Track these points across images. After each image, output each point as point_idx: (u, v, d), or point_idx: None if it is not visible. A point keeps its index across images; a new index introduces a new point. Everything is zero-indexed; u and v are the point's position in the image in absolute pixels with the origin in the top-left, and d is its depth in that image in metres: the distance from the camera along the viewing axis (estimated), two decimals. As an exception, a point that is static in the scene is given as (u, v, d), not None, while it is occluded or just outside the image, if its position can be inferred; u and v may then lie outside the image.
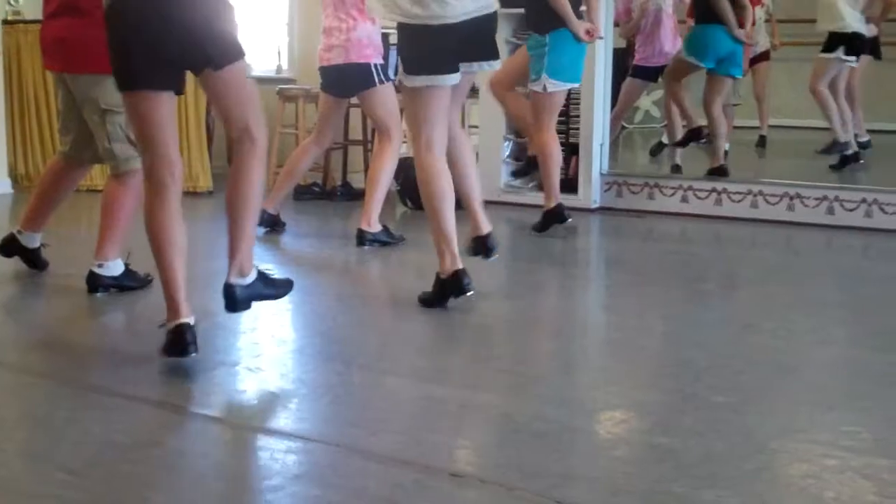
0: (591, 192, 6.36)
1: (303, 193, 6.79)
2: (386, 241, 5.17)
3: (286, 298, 4.21)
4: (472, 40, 3.84)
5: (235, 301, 3.29)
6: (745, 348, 3.58)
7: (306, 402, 2.98)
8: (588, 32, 5.22)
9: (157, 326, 3.21)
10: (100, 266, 4.12)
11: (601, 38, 5.42)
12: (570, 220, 5.48)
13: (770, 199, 6.01)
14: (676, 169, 7.01)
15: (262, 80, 6.94)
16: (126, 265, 4.20)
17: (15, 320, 4.05)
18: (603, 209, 6.38)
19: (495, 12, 3.89)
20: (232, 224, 3.26)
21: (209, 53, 3.09)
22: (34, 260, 4.50)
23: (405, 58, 3.85)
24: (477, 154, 7.03)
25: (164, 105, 3.15)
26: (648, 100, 8.84)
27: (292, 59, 8.36)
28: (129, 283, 4.19)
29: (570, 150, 6.47)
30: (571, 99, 6.38)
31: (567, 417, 2.82)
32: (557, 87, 5.33)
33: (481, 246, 4.11)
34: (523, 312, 4.04)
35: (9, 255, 4.49)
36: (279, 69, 8.39)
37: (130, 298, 4.13)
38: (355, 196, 7.03)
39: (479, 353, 3.57)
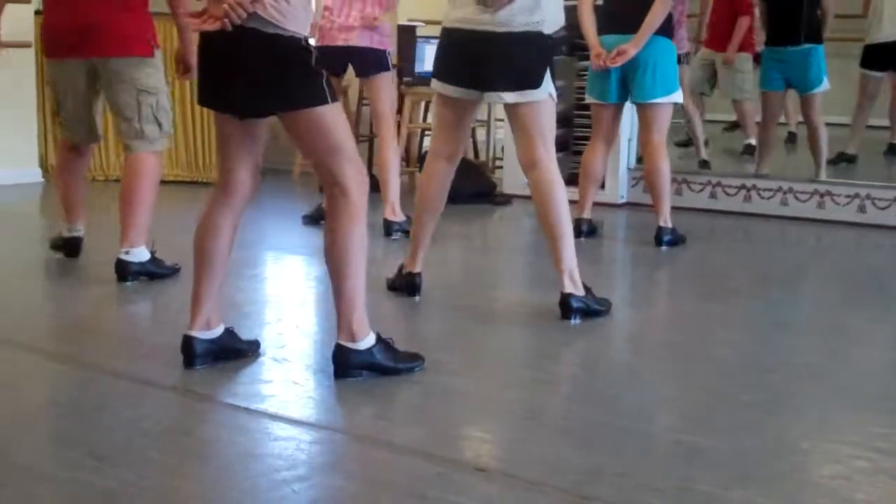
0: (618, 186, 6.33)
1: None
2: (409, 230, 5.17)
3: (310, 289, 4.23)
4: (476, 59, 3.65)
5: (342, 366, 2.97)
6: (775, 347, 3.55)
7: (331, 393, 2.97)
8: (597, 56, 4.99)
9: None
10: (126, 253, 4.15)
11: (613, 65, 4.95)
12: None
13: (800, 196, 5.96)
14: (704, 164, 6.96)
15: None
16: (152, 253, 4.23)
17: (45, 308, 4.07)
18: (629, 204, 6.34)
19: (509, 33, 3.60)
20: (333, 283, 2.97)
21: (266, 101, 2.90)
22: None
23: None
24: (503, 148, 7.05)
25: (229, 124, 2.99)
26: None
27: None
28: (156, 270, 4.21)
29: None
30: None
31: (593, 414, 2.80)
32: (587, 100, 5.35)
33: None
34: (549, 308, 4.02)
35: (73, 254, 4.57)
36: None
37: (162, 287, 4.15)
38: (380, 189, 7.04)
39: (503, 349, 3.56)
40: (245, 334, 3.37)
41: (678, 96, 5.13)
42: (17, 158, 6.93)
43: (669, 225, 5.17)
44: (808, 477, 2.47)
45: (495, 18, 3.58)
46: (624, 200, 6.37)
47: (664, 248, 5.10)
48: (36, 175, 7.16)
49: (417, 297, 3.97)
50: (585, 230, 5.25)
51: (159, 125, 4.17)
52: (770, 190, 6.05)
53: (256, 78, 2.85)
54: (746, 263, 5.12)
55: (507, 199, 6.50)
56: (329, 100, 2.87)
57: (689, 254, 5.22)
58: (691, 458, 2.48)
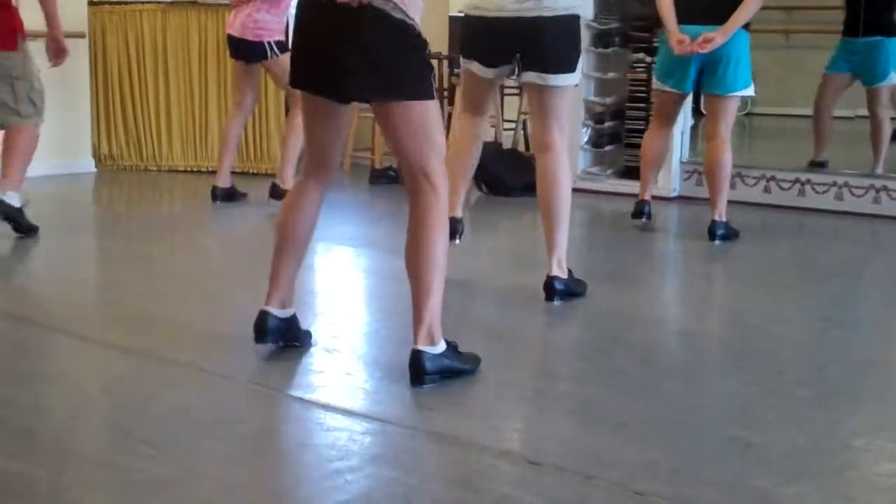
0: (671, 180, 6.28)
1: (378, 177, 6.82)
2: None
3: (361, 280, 4.25)
4: (520, 42, 3.72)
5: (421, 371, 2.88)
6: (828, 342, 3.51)
7: (383, 384, 2.99)
8: (680, 42, 4.87)
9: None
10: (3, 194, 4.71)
11: (699, 52, 4.85)
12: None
13: (856, 191, 5.87)
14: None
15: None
16: (23, 205, 4.77)
17: (99, 297, 4.13)
18: (682, 198, 6.29)
19: (555, 17, 3.66)
20: (413, 281, 2.95)
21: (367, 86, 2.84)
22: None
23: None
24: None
25: (325, 106, 2.94)
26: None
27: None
28: (18, 219, 4.75)
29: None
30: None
31: (647, 408, 2.79)
32: (656, 86, 5.29)
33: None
34: (600, 302, 4.00)
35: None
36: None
37: (216, 277, 4.19)
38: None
39: (555, 341, 3.56)
40: (307, 324, 3.40)
41: (752, 90, 5.08)
42: (71, 148, 7.02)
43: (724, 219, 5.11)
44: (863, 474, 2.44)
45: (541, 3, 3.64)
46: (676, 194, 6.32)
47: (717, 242, 5.05)
48: (89, 165, 7.26)
49: (458, 241, 4.08)
50: (647, 211, 5.32)
51: (34, 105, 4.83)
52: (825, 185, 5.96)
53: (378, 62, 2.78)
54: (800, 258, 5.07)
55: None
56: (434, 95, 2.89)
57: (742, 248, 5.17)
58: (745, 454, 2.46)
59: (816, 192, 5.97)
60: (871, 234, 5.57)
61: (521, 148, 7.65)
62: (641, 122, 6.42)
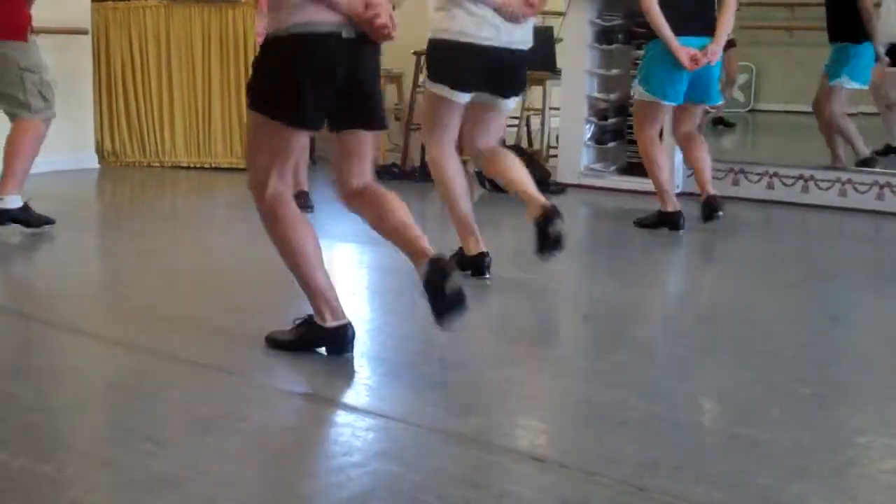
0: (674, 176, 6.26)
1: (382, 174, 6.80)
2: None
3: (362, 277, 4.25)
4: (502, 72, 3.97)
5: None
6: (832, 340, 3.51)
7: (387, 381, 2.99)
8: (693, 59, 4.89)
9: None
10: (0, 200, 4.65)
11: (710, 63, 4.96)
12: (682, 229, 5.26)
13: (860, 187, 5.86)
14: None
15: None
16: (25, 203, 4.71)
17: (103, 294, 4.13)
18: (685, 194, 6.26)
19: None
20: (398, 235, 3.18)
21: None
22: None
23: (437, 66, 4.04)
24: (557, 137, 7.02)
25: (304, 137, 3.19)
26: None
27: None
28: (27, 217, 4.71)
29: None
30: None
31: (649, 405, 2.78)
32: (644, 97, 5.20)
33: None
34: (603, 299, 4.01)
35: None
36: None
37: (220, 273, 4.18)
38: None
39: (558, 339, 3.55)
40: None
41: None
42: (75, 144, 7.02)
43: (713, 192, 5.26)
44: (866, 471, 2.43)
45: (524, 37, 3.96)
46: (679, 190, 6.30)
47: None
48: (92, 161, 7.26)
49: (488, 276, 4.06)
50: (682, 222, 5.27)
51: (45, 99, 4.74)
52: (828, 181, 5.95)
53: (372, 92, 3.04)
54: (803, 255, 5.06)
55: (561, 188, 6.47)
56: None
57: (745, 245, 5.17)
58: (748, 451, 2.45)
59: (820, 189, 5.96)
60: (875, 231, 5.56)
61: (525, 145, 7.64)
62: (643, 119, 6.40)
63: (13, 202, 4.68)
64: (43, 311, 3.65)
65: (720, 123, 8.34)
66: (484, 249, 4.08)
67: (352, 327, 3.07)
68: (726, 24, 4.94)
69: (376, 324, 3.65)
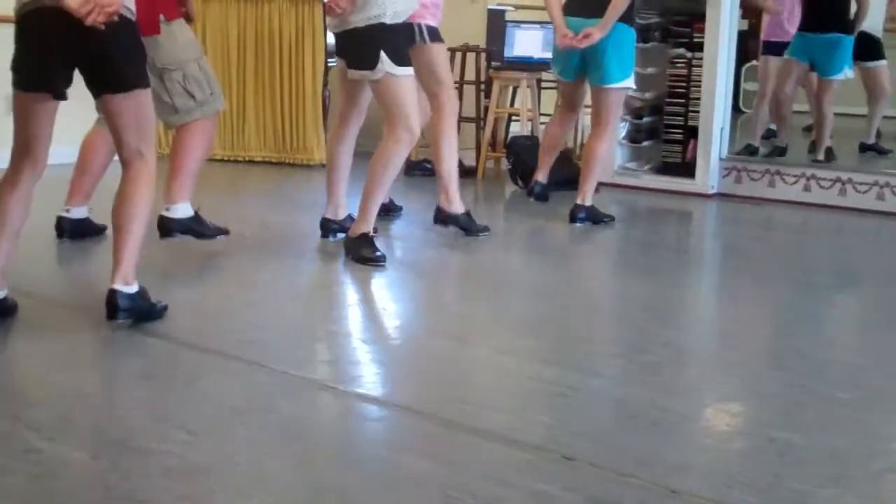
0: (709, 177, 6.22)
1: (413, 169, 6.81)
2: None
3: (398, 273, 4.25)
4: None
5: (115, 308, 3.25)
6: (868, 344, 3.47)
7: (416, 375, 2.99)
8: (563, 36, 5.06)
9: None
10: (167, 210, 4.21)
11: (577, 47, 5.01)
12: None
13: (859, 187, 5.81)
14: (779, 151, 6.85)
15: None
16: (195, 211, 4.30)
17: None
18: (720, 195, 6.24)
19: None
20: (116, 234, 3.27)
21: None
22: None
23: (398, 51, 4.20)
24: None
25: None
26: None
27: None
28: (198, 228, 4.29)
29: (689, 133, 6.35)
30: (692, 81, 6.28)
31: (682, 407, 2.77)
32: (554, 74, 5.57)
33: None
34: (636, 298, 3.98)
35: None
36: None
37: (252, 265, 4.20)
38: (466, 173, 7.03)
39: (590, 337, 3.53)
40: (331, 315, 3.40)
41: (631, 82, 5.19)
42: (74, 137, 6.99)
43: (588, 204, 5.29)
44: (904, 479, 2.41)
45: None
46: (715, 191, 6.26)
47: (578, 224, 5.22)
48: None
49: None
50: (539, 192, 5.59)
51: (192, 97, 4.16)
52: (866, 184, 5.88)
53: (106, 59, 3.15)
54: (838, 258, 5.01)
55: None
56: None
57: (779, 247, 5.13)
58: (783, 455, 2.43)
59: (858, 192, 5.89)
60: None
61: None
62: (680, 118, 6.37)
63: (181, 210, 4.22)
64: (79, 301, 3.68)
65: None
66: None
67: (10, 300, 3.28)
68: (612, 10, 4.92)
69: (408, 319, 3.65)
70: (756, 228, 5.61)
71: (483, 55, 7.13)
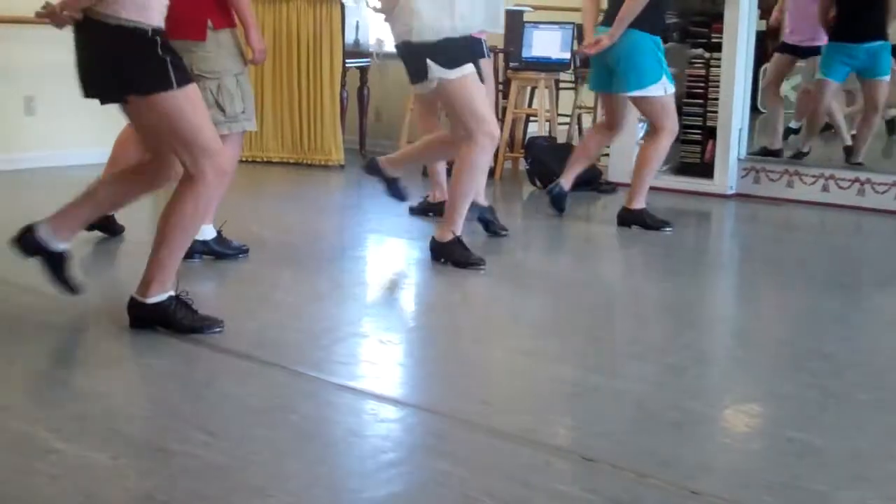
0: (728, 177, 6.20)
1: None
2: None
3: (412, 271, 4.25)
4: None
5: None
6: (889, 345, 3.44)
7: (435, 376, 2.98)
8: (586, 46, 5.08)
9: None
10: None
11: (589, 53, 5.05)
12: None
13: (878, 187, 5.77)
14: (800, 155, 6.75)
15: (395, 57, 6.99)
16: (218, 232, 4.28)
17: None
18: (739, 195, 6.21)
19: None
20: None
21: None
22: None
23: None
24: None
25: None
26: (787, 85, 8.59)
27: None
28: (220, 249, 4.26)
29: (708, 133, 6.33)
30: (711, 82, 6.26)
31: (703, 408, 2.76)
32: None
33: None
34: (656, 299, 3.97)
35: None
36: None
37: (268, 267, 4.20)
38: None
39: (609, 338, 3.52)
40: (350, 315, 3.39)
41: (654, 90, 5.00)
42: (98, 138, 7.00)
43: (636, 207, 5.21)
44: (925, 480, 2.39)
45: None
46: (734, 191, 6.24)
47: (628, 228, 5.19)
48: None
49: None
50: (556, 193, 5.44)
51: (222, 110, 3.96)
52: (885, 184, 5.84)
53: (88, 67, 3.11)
54: (859, 259, 4.98)
55: (612, 187, 6.43)
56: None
57: (799, 249, 5.10)
58: (803, 456, 2.42)
59: (876, 192, 5.85)
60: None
61: (576, 143, 7.59)
62: (699, 119, 6.36)
63: (202, 232, 4.12)
64: (99, 302, 3.69)
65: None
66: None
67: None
68: (620, 17, 4.86)
69: (426, 319, 3.65)
70: (775, 229, 5.58)
71: (501, 55, 7.13)
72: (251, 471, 2.26)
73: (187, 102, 3.02)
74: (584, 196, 6.12)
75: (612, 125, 5.36)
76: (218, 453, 2.34)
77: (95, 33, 2.97)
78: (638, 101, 5.09)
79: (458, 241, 4.19)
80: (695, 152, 6.43)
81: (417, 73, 4.16)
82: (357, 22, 7.50)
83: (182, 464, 2.28)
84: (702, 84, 6.36)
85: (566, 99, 7.63)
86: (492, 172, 6.94)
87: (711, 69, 6.30)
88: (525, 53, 6.91)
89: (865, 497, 2.22)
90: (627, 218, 5.20)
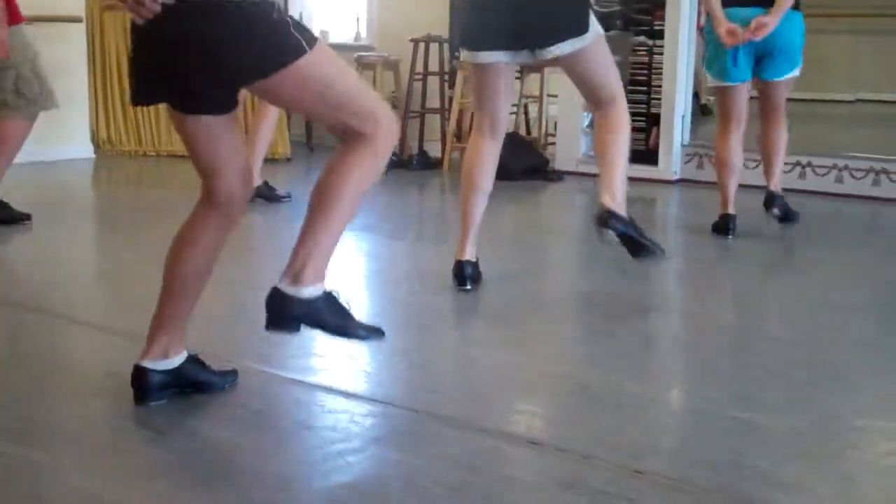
0: (672, 163, 6.27)
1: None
2: None
3: (361, 265, 4.24)
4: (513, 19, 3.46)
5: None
6: (831, 325, 3.50)
7: (384, 367, 2.99)
8: (730, 33, 4.52)
9: None
10: None
11: (755, 39, 4.49)
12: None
13: (856, 173, 5.86)
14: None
15: (340, 48, 6.96)
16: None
17: (101, 282, 4.13)
18: (683, 181, 6.28)
19: None
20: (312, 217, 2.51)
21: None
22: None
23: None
24: (555, 124, 7.01)
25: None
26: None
27: (371, 27, 8.38)
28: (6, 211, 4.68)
29: (652, 121, 6.39)
30: (654, 69, 6.31)
31: (647, 390, 2.79)
32: (711, 83, 4.87)
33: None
34: (601, 286, 4.01)
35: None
36: (357, 36, 8.41)
37: (224, 263, 4.17)
38: (431, 164, 7.03)
39: (556, 325, 3.55)
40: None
41: (798, 71, 4.77)
42: (69, 133, 6.99)
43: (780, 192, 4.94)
44: (864, 455, 2.44)
45: None
46: (678, 177, 6.31)
47: (775, 212, 4.95)
48: (88, 150, 7.24)
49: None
50: (733, 227, 4.84)
51: (22, 95, 4.53)
52: (825, 167, 5.95)
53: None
54: (810, 241, 5.06)
55: (559, 176, 6.47)
56: None
57: (742, 231, 5.16)
58: (746, 435, 2.46)
59: (817, 175, 5.95)
60: (871, 216, 5.56)
61: (522, 132, 7.62)
62: (643, 106, 6.41)
63: None
64: (40, 301, 3.65)
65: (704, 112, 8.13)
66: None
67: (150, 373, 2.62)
68: None
69: (375, 310, 3.65)
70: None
71: (446, 45, 7.14)
72: (199, 467, 2.26)
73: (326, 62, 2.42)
74: (532, 185, 6.17)
75: (740, 118, 4.81)
76: (165, 451, 2.33)
77: (212, 16, 2.28)
78: (778, 85, 4.73)
79: (615, 213, 3.60)
80: (639, 139, 6.48)
81: (574, 26, 3.45)
82: (301, 13, 7.47)
83: (129, 461, 2.28)
84: (645, 71, 6.42)
85: (511, 88, 7.66)
86: (439, 163, 6.96)
87: (654, 56, 6.36)
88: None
89: (806, 473, 2.26)
90: (789, 214, 4.99)
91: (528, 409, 2.71)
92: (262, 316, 3.23)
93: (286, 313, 2.46)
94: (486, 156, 3.76)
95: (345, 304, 2.55)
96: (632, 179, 6.12)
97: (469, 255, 3.75)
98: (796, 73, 4.77)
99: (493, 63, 3.58)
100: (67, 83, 6.82)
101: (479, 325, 3.34)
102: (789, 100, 5.00)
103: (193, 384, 2.66)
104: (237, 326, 3.28)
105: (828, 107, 8.91)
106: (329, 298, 2.50)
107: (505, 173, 6.38)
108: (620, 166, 3.66)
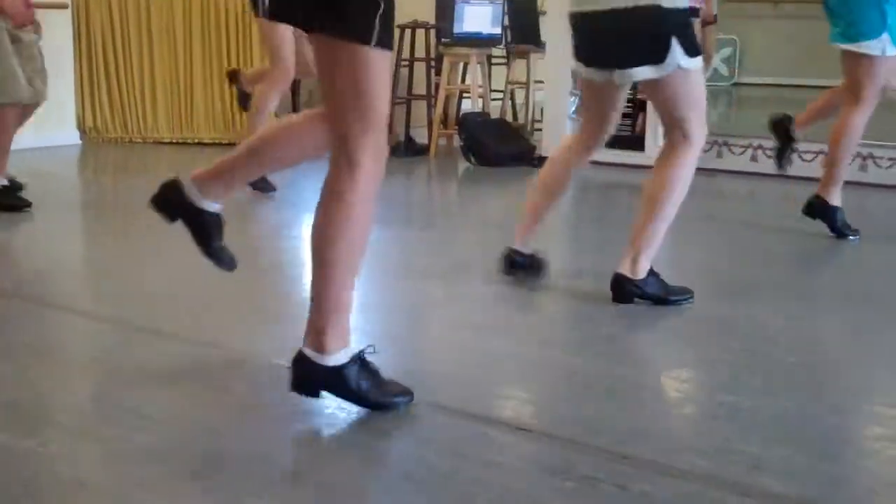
0: (658, 149, 6.27)
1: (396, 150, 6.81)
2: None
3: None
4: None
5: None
6: (818, 309, 3.52)
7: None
8: None
9: None
10: None
11: None
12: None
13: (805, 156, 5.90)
14: None
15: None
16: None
17: (87, 270, 4.12)
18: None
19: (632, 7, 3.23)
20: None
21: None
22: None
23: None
24: (542, 110, 7.01)
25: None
26: (717, 57, 8.70)
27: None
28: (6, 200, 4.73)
29: (638, 107, 6.39)
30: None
31: (635, 375, 2.80)
32: (877, 52, 4.29)
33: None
34: (587, 270, 4.01)
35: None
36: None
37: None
38: (418, 151, 7.03)
39: (545, 311, 3.55)
40: (293, 291, 3.37)
41: (869, 47, 4.22)
42: (56, 121, 6.96)
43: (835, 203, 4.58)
44: (851, 438, 2.45)
45: None
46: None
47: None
48: (74, 137, 7.22)
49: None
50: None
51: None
52: (811, 153, 5.95)
53: None
54: (785, 225, 5.07)
55: (545, 162, 6.46)
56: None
57: (728, 216, 5.18)
58: (732, 419, 2.47)
59: (803, 160, 5.95)
60: (858, 201, 5.58)
61: (509, 118, 7.62)
62: (629, 92, 6.38)
63: None
64: (26, 289, 3.63)
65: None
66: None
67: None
68: None
69: (364, 300, 3.63)
70: (706, 199, 5.65)
71: (433, 31, 7.12)
72: (187, 452, 2.25)
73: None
74: (518, 171, 6.16)
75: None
76: (151, 436, 2.32)
77: None
78: (850, 57, 4.29)
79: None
80: (625, 125, 6.49)
81: (649, 53, 3.24)
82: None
83: (114, 448, 2.27)
84: (631, 57, 6.40)
85: (498, 74, 7.67)
86: (426, 149, 6.95)
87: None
88: (457, 29, 6.91)
89: (793, 456, 2.26)
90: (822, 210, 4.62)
91: (516, 395, 2.71)
92: (245, 305, 3.24)
93: (311, 382, 2.46)
94: (567, 161, 3.86)
95: (373, 366, 2.50)
96: (618, 165, 6.20)
97: (520, 245, 3.75)
98: (861, 47, 4.25)
99: (589, 79, 3.53)
100: (54, 70, 6.77)
101: (467, 311, 3.33)
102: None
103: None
104: (223, 314, 3.27)
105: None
106: (356, 362, 2.46)
107: (492, 159, 6.43)
108: (660, 232, 3.51)
